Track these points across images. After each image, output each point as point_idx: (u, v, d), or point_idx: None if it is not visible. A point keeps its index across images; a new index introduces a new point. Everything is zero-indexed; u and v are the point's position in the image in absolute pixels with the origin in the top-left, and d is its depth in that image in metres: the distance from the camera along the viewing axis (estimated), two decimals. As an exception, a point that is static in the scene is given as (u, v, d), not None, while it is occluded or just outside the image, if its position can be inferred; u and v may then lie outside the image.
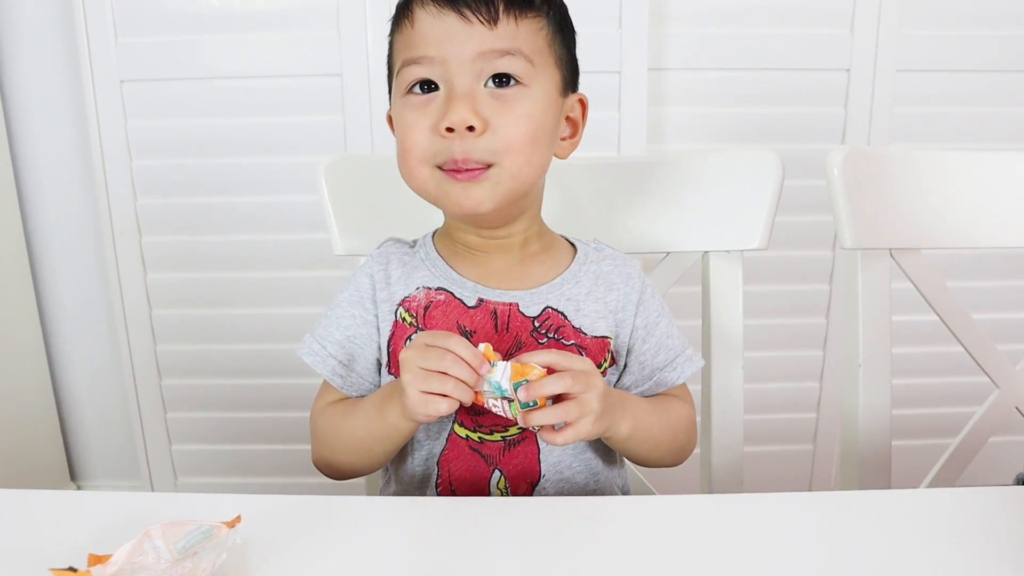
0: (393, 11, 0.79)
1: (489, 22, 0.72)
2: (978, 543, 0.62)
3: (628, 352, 0.84)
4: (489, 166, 0.74)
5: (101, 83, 1.65)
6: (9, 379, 1.77)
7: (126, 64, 1.64)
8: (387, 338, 0.81)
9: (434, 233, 0.88)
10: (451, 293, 0.81)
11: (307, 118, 1.68)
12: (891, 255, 0.92)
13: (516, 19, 0.74)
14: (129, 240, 1.73)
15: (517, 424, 0.69)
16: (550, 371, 0.69)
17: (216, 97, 1.67)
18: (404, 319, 0.81)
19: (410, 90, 0.75)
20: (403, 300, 0.82)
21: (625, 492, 0.91)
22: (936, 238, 0.93)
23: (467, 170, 0.74)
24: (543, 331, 0.80)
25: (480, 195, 0.75)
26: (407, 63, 0.75)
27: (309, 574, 0.58)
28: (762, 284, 1.76)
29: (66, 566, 0.52)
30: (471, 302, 0.81)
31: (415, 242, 0.88)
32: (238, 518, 0.57)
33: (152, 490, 1.89)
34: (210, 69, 1.66)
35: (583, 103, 0.84)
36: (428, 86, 0.75)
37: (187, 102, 1.67)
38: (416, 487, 0.83)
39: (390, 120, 0.82)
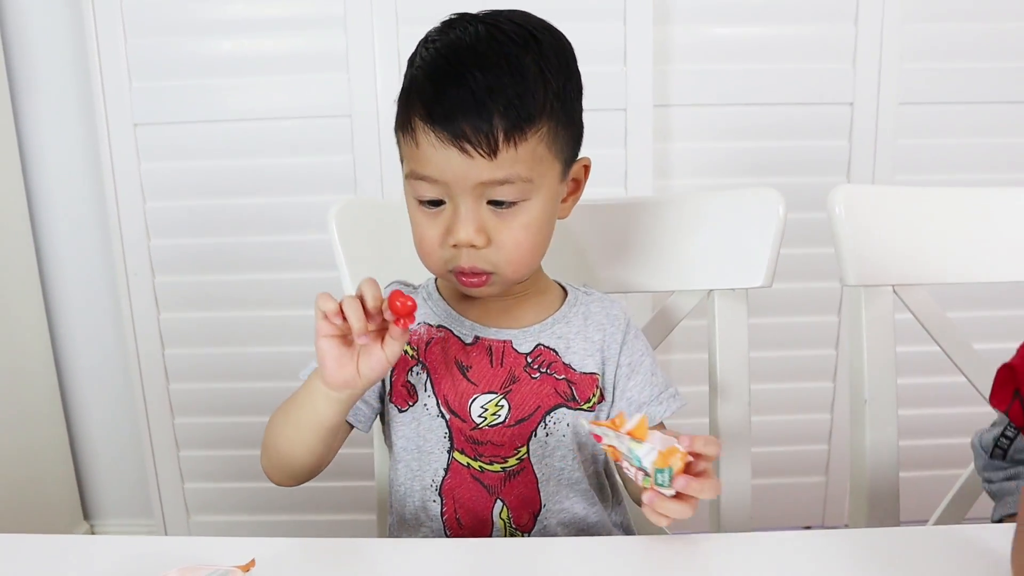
0: (397, 101, 0.80)
1: (489, 155, 0.73)
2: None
3: (615, 388, 0.87)
4: (492, 272, 0.79)
5: (115, 126, 1.68)
6: (24, 418, 1.79)
7: (140, 108, 1.68)
8: (391, 369, 0.84)
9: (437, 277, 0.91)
10: (450, 331, 0.86)
11: (317, 158, 1.71)
12: (894, 291, 0.93)
13: (516, 144, 0.74)
14: (142, 280, 1.76)
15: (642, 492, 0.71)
16: (693, 456, 0.69)
17: (228, 139, 1.70)
18: (406, 351, 0.85)
19: (420, 201, 0.79)
20: None
21: (628, 531, 0.92)
22: (939, 273, 0.94)
23: (474, 275, 0.79)
24: (535, 366, 0.84)
25: (487, 291, 0.82)
26: (415, 175, 0.77)
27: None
28: (772, 317, 1.77)
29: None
30: (468, 339, 0.85)
31: (418, 286, 0.92)
32: (252, 562, 0.58)
33: (165, 528, 1.90)
34: (222, 112, 1.69)
35: (586, 167, 0.86)
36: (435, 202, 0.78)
37: (199, 144, 1.71)
38: (414, 521, 0.86)
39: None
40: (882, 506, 0.93)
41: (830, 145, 1.74)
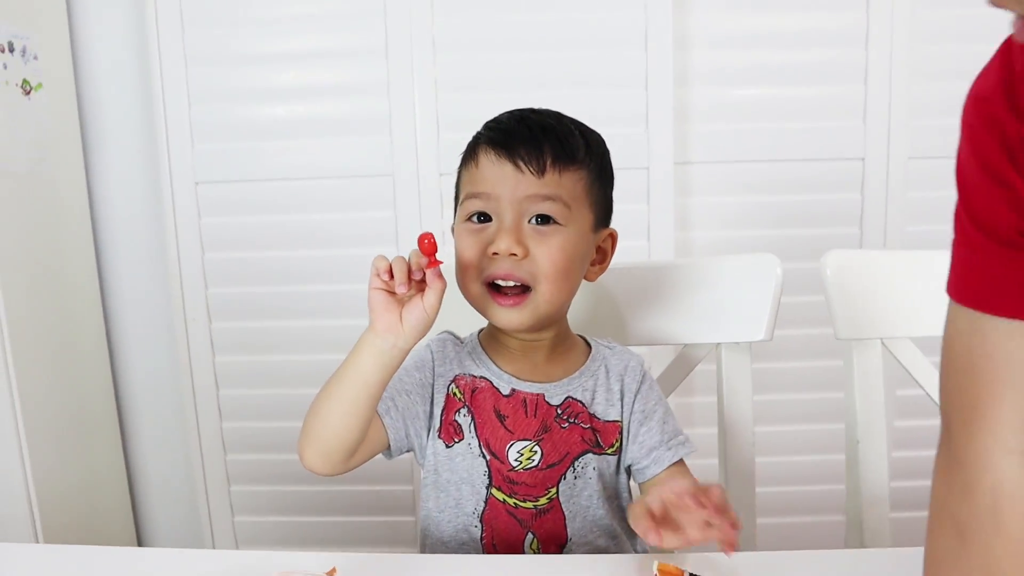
0: (464, 150, 0.97)
1: (537, 173, 0.89)
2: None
3: (628, 432, 0.98)
4: (527, 289, 0.90)
5: (179, 184, 1.83)
6: (84, 454, 1.91)
7: (201, 167, 1.82)
8: (441, 408, 0.97)
9: (480, 331, 1.04)
10: (490, 382, 0.97)
11: (362, 214, 1.83)
12: (882, 343, 1.04)
13: (560, 171, 0.90)
14: (200, 326, 1.89)
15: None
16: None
17: (281, 196, 1.84)
18: (455, 394, 0.97)
19: (469, 218, 0.92)
20: (455, 378, 0.98)
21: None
22: (923, 326, 1.04)
23: (511, 296, 0.90)
24: (565, 417, 0.96)
25: (519, 318, 0.91)
26: (469, 195, 0.92)
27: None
28: (790, 362, 1.85)
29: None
30: (505, 391, 0.97)
31: (464, 339, 1.04)
32: (334, 569, 0.70)
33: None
34: (276, 171, 1.83)
35: (613, 237, 1.00)
36: (483, 217, 0.91)
37: (255, 201, 1.84)
38: (454, 542, 0.97)
39: (453, 230, 0.98)
40: (876, 539, 1.02)
41: (844, 198, 1.82)
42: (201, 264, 1.87)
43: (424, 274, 0.83)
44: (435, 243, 0.82)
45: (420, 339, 0.86)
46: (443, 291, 0.84)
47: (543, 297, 0.90)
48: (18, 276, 1.66)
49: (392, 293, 0.83)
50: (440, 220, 1.80)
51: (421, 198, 1.80)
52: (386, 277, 0.83)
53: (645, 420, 0.97)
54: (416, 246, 0.83)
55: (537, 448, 0.94)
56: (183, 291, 1.88)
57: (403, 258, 0.83)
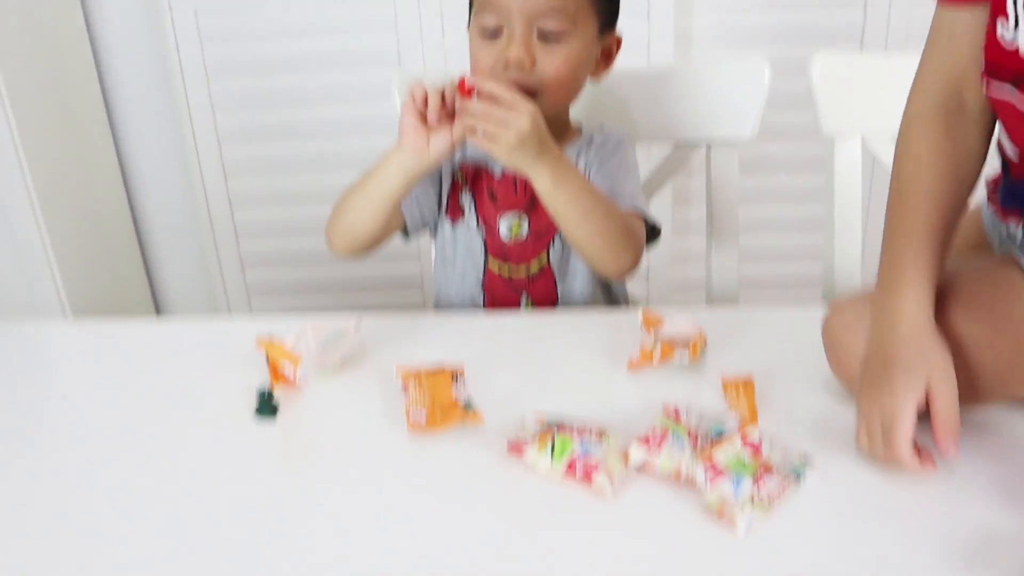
0: None
1: None
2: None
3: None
4: (534, 94, 0.96)
5: (179, 14, 1.82)
6: (107, 267, 2.02)
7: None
8: (448, 190, 1.10)
9: None
10: (486, 166, 1.08)
11: (366, 37, 1.85)
12: (862, 140, 1.11)
13: None
14: (210, 151, 1.95)
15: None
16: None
17: (282, 22, 1.84)
18: (459, 178, 1.10)
19: (482, 31, 0.99)
20: (460, 164, 1.09)
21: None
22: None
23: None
24: None
25: None
26: (482, 7, 0.98)
27: (405, 357, 0.84)
28: (792, 175, 1.92)
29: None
30: (497, 174, 1.07)
31: None
32: (358, 326, 0.81)
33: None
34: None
35: (618, 41, 1.07)
36: (494, 31, 0.97)
37: (257, 28, 1.85)
38: (462, 307, 1.11)
39: (468, 30, 1.05)
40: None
41: (845, 15, 1.82)
42: (208, 93, 1.89)
43: (454, 107, 0.89)
44: (470, 86, 0.88)
45: (441, 162, 0.94)
46: (466, 129, 0.89)
47: (548, 101, 0.98)
48: (30, 114, 1.70)
49: (423, 119, 0.90)
50: (442, 39, 1.83)
51: (422, 21, 1.81)
52: (420, 104, 0.90)
53: (601, 167, 1.06)
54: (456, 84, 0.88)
55: (524, 219, 1.06)
56: (191, 119, 1.91)
57: (437, 90, 0.90)
